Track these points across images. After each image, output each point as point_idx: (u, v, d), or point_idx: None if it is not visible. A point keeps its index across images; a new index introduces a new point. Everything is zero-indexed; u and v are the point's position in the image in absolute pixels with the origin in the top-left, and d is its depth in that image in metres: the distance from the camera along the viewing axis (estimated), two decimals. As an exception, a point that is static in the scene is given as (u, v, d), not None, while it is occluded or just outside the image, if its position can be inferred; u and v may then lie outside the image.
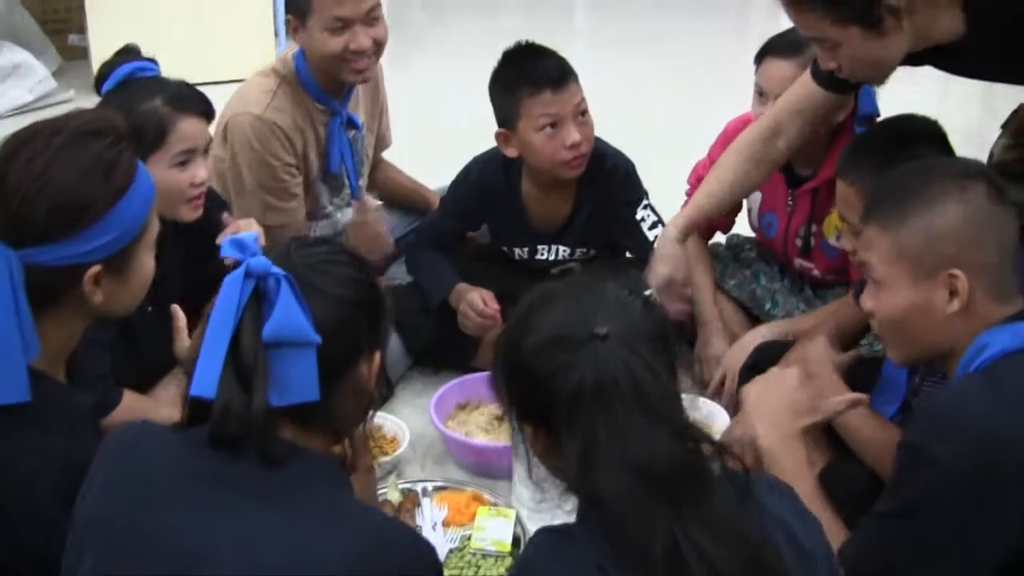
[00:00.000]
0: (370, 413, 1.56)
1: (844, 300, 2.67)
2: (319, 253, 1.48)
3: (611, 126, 3.04)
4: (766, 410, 2.08)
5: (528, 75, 2.75)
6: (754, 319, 3.01)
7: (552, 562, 1.34)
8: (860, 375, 2.35)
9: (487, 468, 2.61)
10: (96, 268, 1.62)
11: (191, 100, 2.41)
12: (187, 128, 2.38)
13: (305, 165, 2.97)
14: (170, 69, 2.48)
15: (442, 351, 3.03)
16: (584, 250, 3.00)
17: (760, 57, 2.82)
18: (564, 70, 2.76)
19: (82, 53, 5.62)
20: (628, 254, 3.05)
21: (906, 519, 1.69)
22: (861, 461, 2.25)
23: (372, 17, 2.81)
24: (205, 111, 2.44)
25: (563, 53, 2.83)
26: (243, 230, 2.42)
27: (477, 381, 2.85)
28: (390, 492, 2.45)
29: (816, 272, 2.94)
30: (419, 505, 2.44)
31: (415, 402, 2.95)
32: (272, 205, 2.90)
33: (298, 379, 1.39)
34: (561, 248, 2.98)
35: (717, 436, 2.60)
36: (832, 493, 2.19)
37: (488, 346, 2.90)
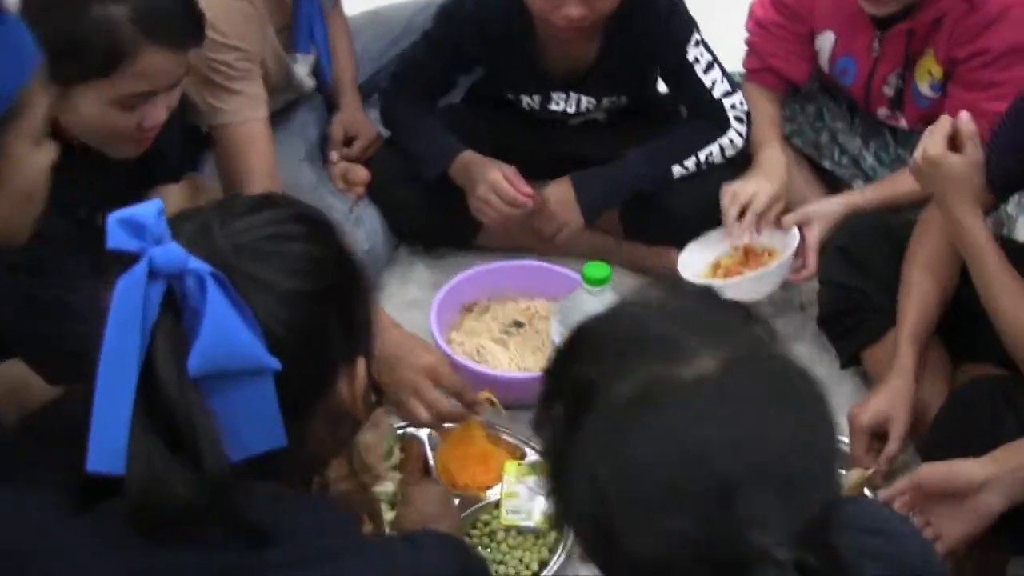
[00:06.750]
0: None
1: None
2: (258, 225, 1.00)
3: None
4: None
5: None
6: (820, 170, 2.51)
7: None
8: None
9: (510, 399, 1.98)
10: None
11: (170, 23, 1.65)
12: (152, 63, 1.62)
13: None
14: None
15: (435, 230, 2.42)
16: (613, 98, 2.34)
17: None
18: None
19: None
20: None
21: None
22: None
23: None
24: (187, 40, 1.70)
25: None
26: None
27: (484, 273, 2.25)
28: (383, 443, 1.87)
29: (904, 123, 2.41)
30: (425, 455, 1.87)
31: (402, 297, 2.35)
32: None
33: (251, 422, 0.95)
34: (584, 97, 2.32)
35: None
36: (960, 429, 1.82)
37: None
